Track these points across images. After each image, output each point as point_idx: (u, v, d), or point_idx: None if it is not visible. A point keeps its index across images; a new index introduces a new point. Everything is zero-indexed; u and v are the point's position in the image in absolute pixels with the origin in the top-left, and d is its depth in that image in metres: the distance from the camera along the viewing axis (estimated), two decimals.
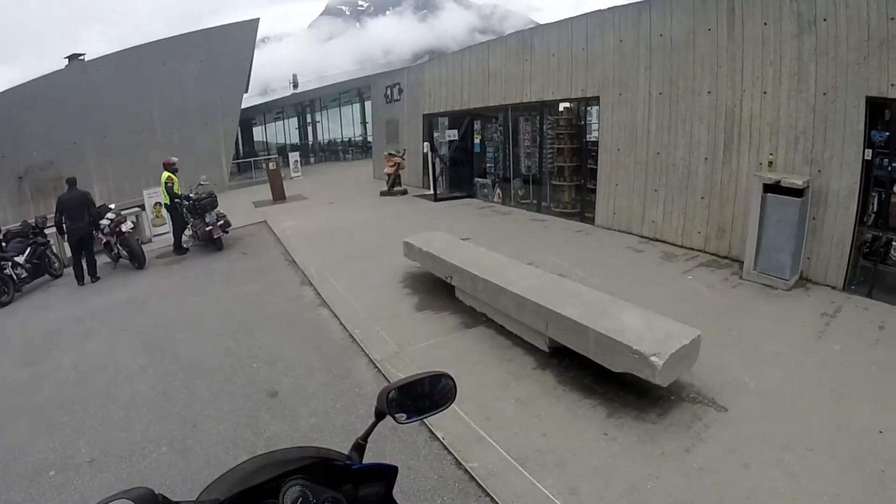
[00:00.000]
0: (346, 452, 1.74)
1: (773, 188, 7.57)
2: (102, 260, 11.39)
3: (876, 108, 7.13)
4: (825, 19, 7.45)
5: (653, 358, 4.50)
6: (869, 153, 7.17)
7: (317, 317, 7.79)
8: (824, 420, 4.54)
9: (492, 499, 3.90)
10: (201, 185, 12.97)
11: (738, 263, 8.41)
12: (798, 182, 7.34)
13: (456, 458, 4.39)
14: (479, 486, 4.05)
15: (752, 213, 7.87)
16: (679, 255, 9.37)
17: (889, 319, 6.37)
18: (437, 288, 8.00)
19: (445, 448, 4.53)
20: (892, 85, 6.82)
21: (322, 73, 39.72)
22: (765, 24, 8.20)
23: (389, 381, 5.04)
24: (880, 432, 4.30)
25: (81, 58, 20.81)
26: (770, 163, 8.16)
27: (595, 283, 7.07)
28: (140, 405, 5.60)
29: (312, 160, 37.72)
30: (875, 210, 7.30)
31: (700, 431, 4.50)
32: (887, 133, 7.07)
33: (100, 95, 19.78)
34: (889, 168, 7.08)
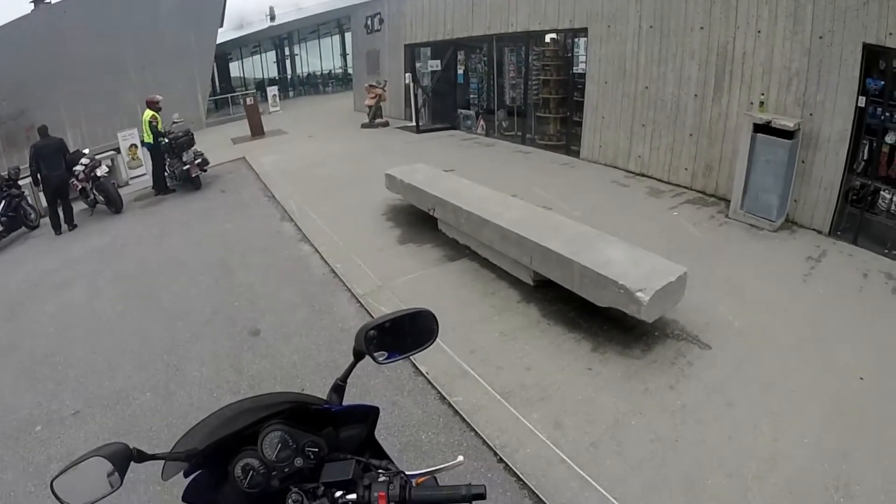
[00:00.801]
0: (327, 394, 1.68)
1: (763, 128, 7.44)
2: (79, 207, 11.04)
3: (872, 56, 6.94)
4: None
5: (638, 293, 4.47)
6: (863, 100, 7.02)
7: (298, 252, 7.68)
8: (807, 362, 4.56)
9: (476, 433, 3.91)
10: (175, 122, 12.59)
11: (725, 202, 8.34)
12: (789, 124, 7.21)
13: (440, 393, 4.40)
14: (464, 420, 4.06)
15: (741, 153, 7.77)
16: (665, 191, 9.28)
17: (873, 267, 6.38)
18: (419, 221, 7.89)
19: (430, 383, 4.54)
20: (891, 34, 6.59)
21: (300, 5, 38.48)
22: None
23: (373, 316, 5.02)
24: (861, 378, 4.32)
25: (47, 0, 19.97)
26: (761, 103, 8.00)
27: (580, 217, 6.96)
28: (122, 352, 5.51)
29: (292, 94, 36.88)
30: (865, 158, 7.19)
31: (684, 368, 4.52)
32: (882, 82, 6.90)
33: (68, 39, 18.72)
34: (882, 117, 6.92)
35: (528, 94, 13.52)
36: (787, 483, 3.36)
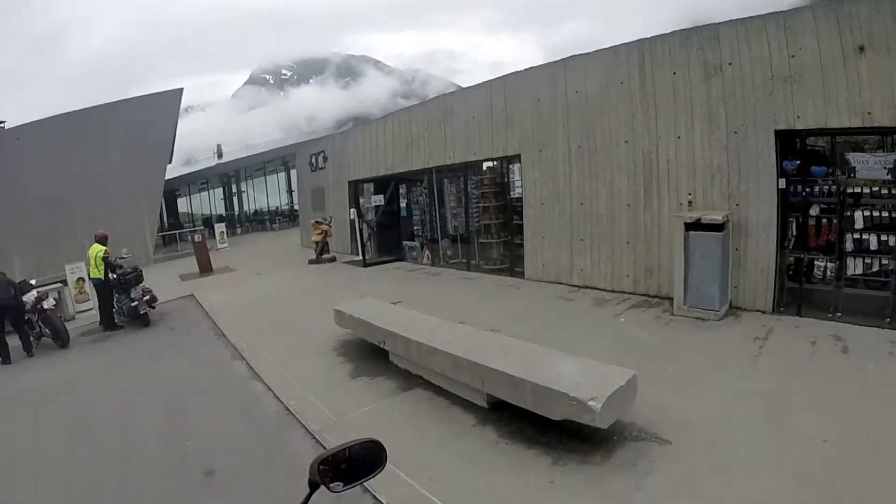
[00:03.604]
0: None
1: (694, 226, 7.99)
2: (14, 342, 10.67)
3: (786, 140, 7.77)
4: (730, 63, 8.13)
5: (591, 402, 4.57)
6: (783, 182, 7.74)
7: (250, 391, 7.53)
8: (769, 439, 4.69)
9: None
10: (123, 258, 12.56)
11: (669, 301, 8.72)
12: (718, 217, 7.78)
13: None
14: None
15: (677, 252, 8.25)
16: (610, 299, 9.62)
17: (820, 333, 6.75)
18: (370, 354, 7.88)
19: None
20: (798, 117, 7.46)
21: (247, 143, 39.70)
22: (674, 73, 8.84)
23: (334, 447, 4.95)
24: (825, 441, 4.48)
25: (1, 125, 20.12)
26: (690, 202, 8.63)
27: (528, 336, 7.14)
28: (71, 494, 5.21)
29: (239, 230, 37.15)
30: (794, 234, 7.84)
31: (647, 467, 4.56)
32: (798, 161, 7.67)
33: (19, 165, 19.01)
34: (803, 193, 7.66)
35: (470, 222, 14.05)
36: None
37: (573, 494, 4.35)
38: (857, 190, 7.36)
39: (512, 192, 12.75)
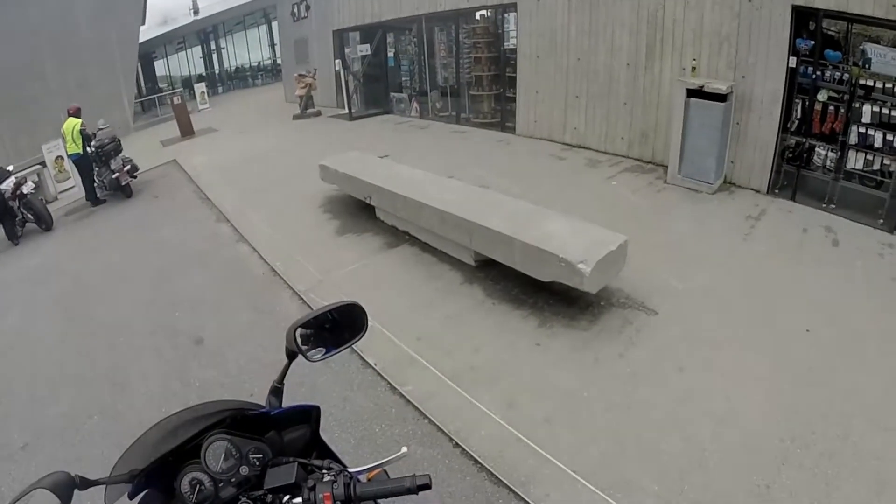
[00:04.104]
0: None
1: (696, 93, 7.60)
2: None
3: (802, 17, 7.12)
4: None
5: (580, 265, 4.49)
6: (794, 61, 7.21)
7: (236, 253, 7.49)
8: (753, 320, 4.67)
9: (430, 420, 3.87)
10: (101, 129, 12.08)
11: (663, 168, 8.49)
12: (722, 87, 7.37)
13: (390, 384, 4.34)
14: (417, 409, 4.01)
15: (676, 119, 7.92)
16: (603, 161, 9.38)
17: (812, 222, 6.61)
18: (357, 210, 7.79)
19: (379, 374, 4.48)
20: None
21: None
22: None
23: (310, 312, 4.89)
24: (807, 331, 4.46)
25: None
26: (693, 68, 8.15)
27: (518, 193, 6.97)
28: (66, 376, 5.21)
29: (221, 90, 35.87)
30: (799, 117, 7.43)
31: (632, 336, 4.57)
32: (812, 42, 7.09)
33: None
34: (813, 76, 7.15)
35: (461, 74, 13.49)
36: (743, 439, 3.44)
37: (558, 358, 4.39)
38: (870, 83, 6.84)
39: (506, 44, 12.06)
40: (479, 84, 12.84)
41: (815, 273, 5.42)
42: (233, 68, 40.06)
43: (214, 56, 40.29)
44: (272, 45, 38.08)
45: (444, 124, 13.98)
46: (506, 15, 11.89)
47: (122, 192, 11.35)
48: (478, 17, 12.75)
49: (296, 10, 20.55)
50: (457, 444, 3.65)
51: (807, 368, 4.03)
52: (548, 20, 10.49)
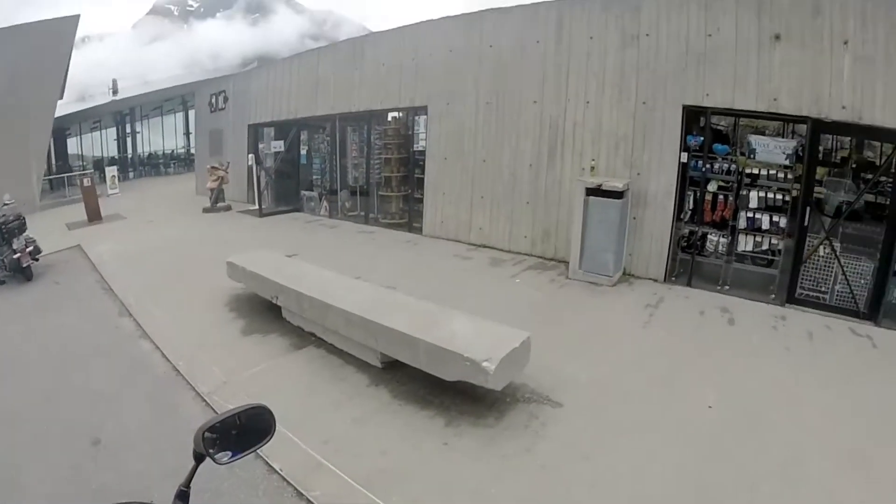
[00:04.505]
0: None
1: (595, 191, 8.14)
2: None
3: (692, 115, 7.97)
4: (647, 34, 8.19)
5: (484, 363, 4.57)
6: (685, 156, 7.97)
7: (138, 350, 7.12)
8: (656, 403, 4.90)
9: None
10: (6, 205, 11.57)
11: (564, 264, 8.90)
12: (618, 185, 7.96)
13: (297, 489, 4.20)
14: None
15: (576, 216, 8.40)
16: (507, 259, 9.72)
17: (708, 304, 7.11)
18: (263, 309, 7.64)
19: (284, 480, 4.32)
20: (707, 95, 7.66)
21: (146, 79, 37.18)
22: (591, 37, 8.83)
23: (219, 414, 4.75)
24: (709, 407, 4.73)
25: None
26: (592, 168, 8.75)
27: (424, 294, 7.05)
28: None
29: (132, 175, 34.96)
30: (691, 207, 8.17)
31: (538, 429, 4.66)
32: (701, 138, 7.92)
33: None
34: (703, 169, 7.93)
35: (371, 174, 13.83)
36: None
37: (465, 456, 4.39)
38: (755, 171, 7.71)
39: (416, 145, 12.56)
40: (389, 185, 13.18)
41: (713, 352, 5.79)
42: (146, 154, 39.22)
43: (129, 139, 39.45)
44: (187, 134, 37.76)
45: (353, 224, 14.17)
46: (416, 117, 12.43)
47: (23, 274, 10.70)
48: (390, 118, 13.19)
49: (214, 100, 20.53)
50: None
51: (710, 443, 4.23)
52: (457, 123, 11.03)
